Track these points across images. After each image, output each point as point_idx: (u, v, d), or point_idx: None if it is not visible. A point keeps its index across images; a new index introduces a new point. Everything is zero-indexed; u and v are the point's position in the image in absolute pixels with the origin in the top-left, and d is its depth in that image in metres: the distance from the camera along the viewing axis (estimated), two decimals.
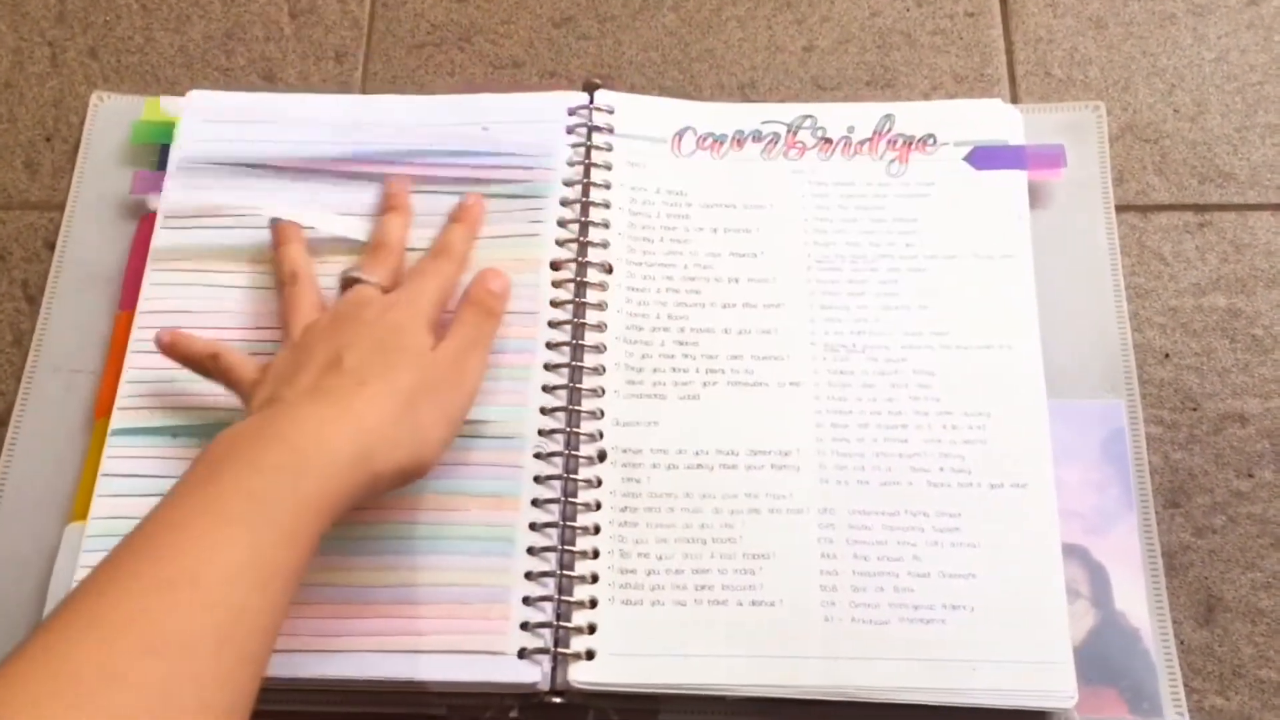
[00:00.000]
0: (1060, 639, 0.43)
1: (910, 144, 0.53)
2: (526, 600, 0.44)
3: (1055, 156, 0.52)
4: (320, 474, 0.37)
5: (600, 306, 0.50)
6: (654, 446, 0.47)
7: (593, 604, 0.44)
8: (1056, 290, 0.50)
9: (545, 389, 0.48)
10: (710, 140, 0.54)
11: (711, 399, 0.48)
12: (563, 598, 0.44)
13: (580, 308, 0.49)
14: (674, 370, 0.49)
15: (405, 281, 0.47)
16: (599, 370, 0.48)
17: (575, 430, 0.47)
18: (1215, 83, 0.55)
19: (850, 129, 0.54)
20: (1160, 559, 0.46)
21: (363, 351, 0.42)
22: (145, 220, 0.53)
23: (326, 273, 0.49)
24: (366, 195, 0.52)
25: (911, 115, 0.54)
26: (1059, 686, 0.43)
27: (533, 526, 0.45)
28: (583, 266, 0.50)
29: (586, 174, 0.52)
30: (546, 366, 0.48)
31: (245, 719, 0.33)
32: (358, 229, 0.51)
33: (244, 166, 0.53)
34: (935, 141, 0.53)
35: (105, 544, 0.46)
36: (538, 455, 0.47)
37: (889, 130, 0.53)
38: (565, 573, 0.45)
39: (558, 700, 0.43)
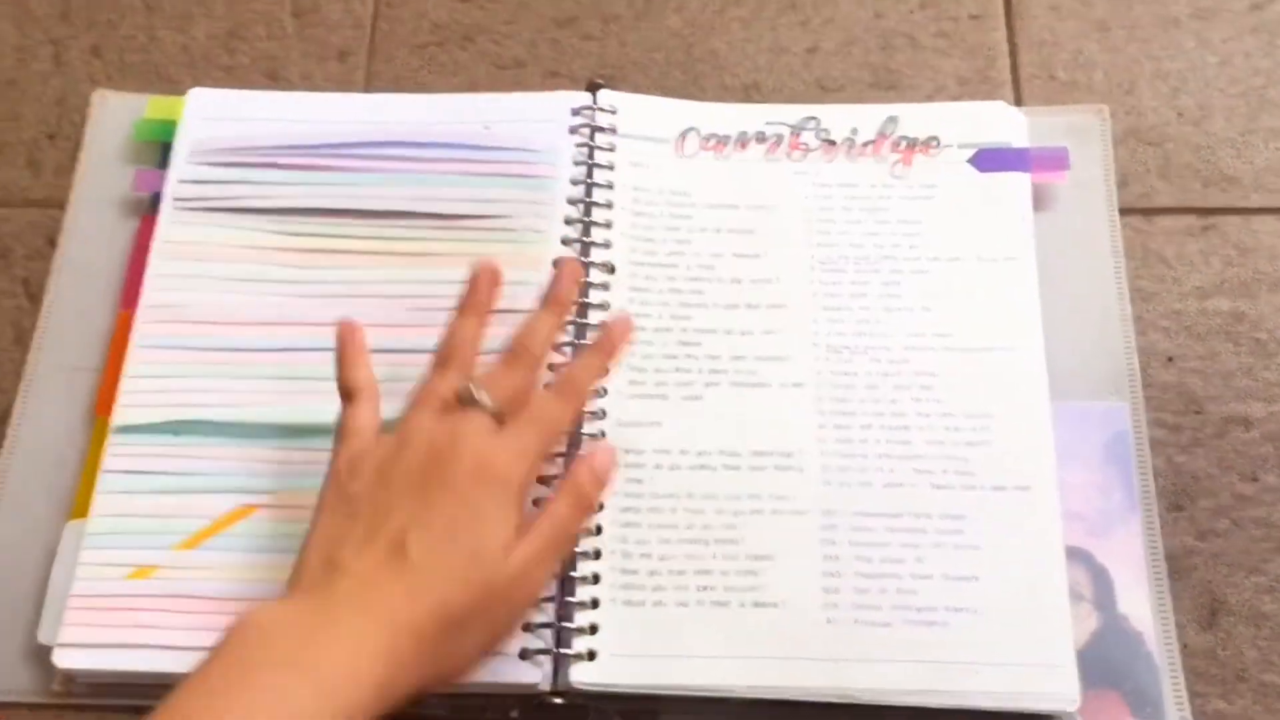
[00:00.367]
0: (1063, 642, 0.43)
1: (914, 146, 0.53)
2: None
3: (1059, 159, 0.52)
4: (346, 706, 0.34)
5: (603, 306, 0.50)
6: (656, 447, 0.47)
7: (594, 604, 0.44)
8: (1060, 293, 0.50)
9: (547, 389, 0.48)
10: (714, 141, 0.54)
11: (714, 400, 0.48)
12: (564, 598, 0.44)
13: (583, 308, 0.49)
14: (676, 371, 0.49)
15: (518, 418, 0.42)
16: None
17: (577, 430, 0.47)
18: (1219, 86, 0.55)
19: (854, 131, 0.53)
20: (1163, 562, 0.46)
21: (433, 539, 0.38)
22: (147, 218, 0.53)
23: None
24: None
25: (915, 117, 0.54)
26: (1061, 689, 0.42)
27: None
28: (585, 267, 0.50)
29: (589, 174, 0.52)
30: (549, 367, 0.48)
31: None
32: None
33: (245, 164, 0.53)
34: (939, 143, 0.53)
35: (106, 541, 0.46)
36: None
37: (893, 132, 0.53)
38: (567, 573, 0.45)
39: (559, 701, 0.43)
